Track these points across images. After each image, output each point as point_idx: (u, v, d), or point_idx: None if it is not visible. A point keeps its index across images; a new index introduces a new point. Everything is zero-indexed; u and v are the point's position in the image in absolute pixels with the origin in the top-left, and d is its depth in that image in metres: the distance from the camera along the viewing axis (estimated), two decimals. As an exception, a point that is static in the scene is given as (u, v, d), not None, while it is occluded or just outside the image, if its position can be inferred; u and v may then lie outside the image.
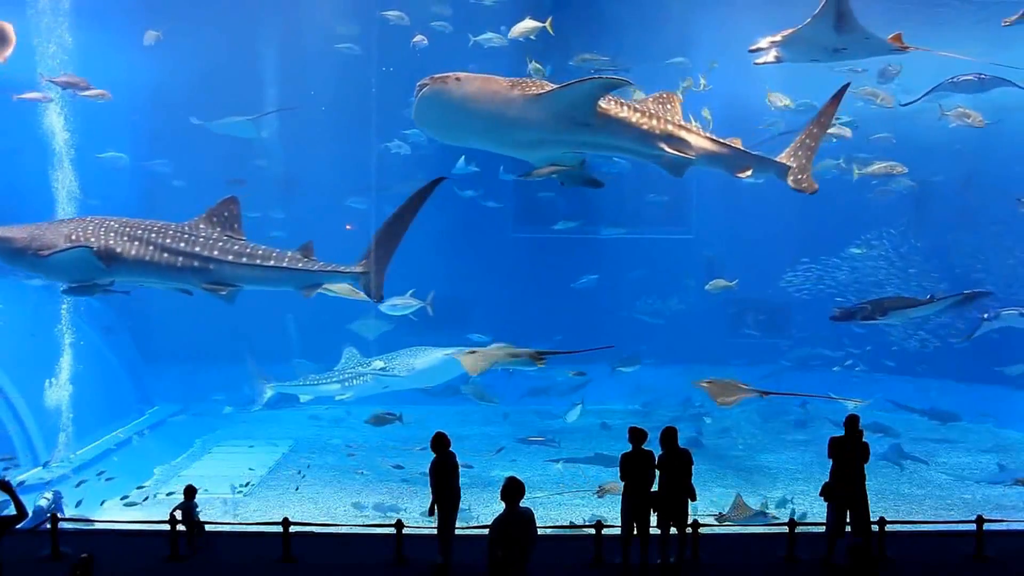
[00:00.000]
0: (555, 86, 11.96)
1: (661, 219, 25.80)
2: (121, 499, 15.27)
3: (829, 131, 15.91)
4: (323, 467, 18.23)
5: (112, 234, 12.21)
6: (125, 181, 23.00)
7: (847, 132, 19.43)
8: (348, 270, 12.87)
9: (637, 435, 8.49)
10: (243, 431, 21.33)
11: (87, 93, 16.30)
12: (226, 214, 12.83)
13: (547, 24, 17.80)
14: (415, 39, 19.74)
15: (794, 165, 13.86)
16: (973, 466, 18.05)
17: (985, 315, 16.03)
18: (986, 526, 9.20)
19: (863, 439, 8.68)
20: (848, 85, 14.51)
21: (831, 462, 8.70)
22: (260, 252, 12.59)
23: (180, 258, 12.24)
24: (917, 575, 8.88)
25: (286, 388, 19.83)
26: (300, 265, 12.68)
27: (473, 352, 12.98)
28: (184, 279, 12.42)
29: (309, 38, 22.54)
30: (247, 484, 16.72)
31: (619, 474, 8.49)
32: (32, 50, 18.66)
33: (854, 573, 8.41)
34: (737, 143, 13.58)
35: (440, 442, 8.50)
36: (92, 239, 12.05)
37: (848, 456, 8.60)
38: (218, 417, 21.87)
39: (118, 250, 12.10)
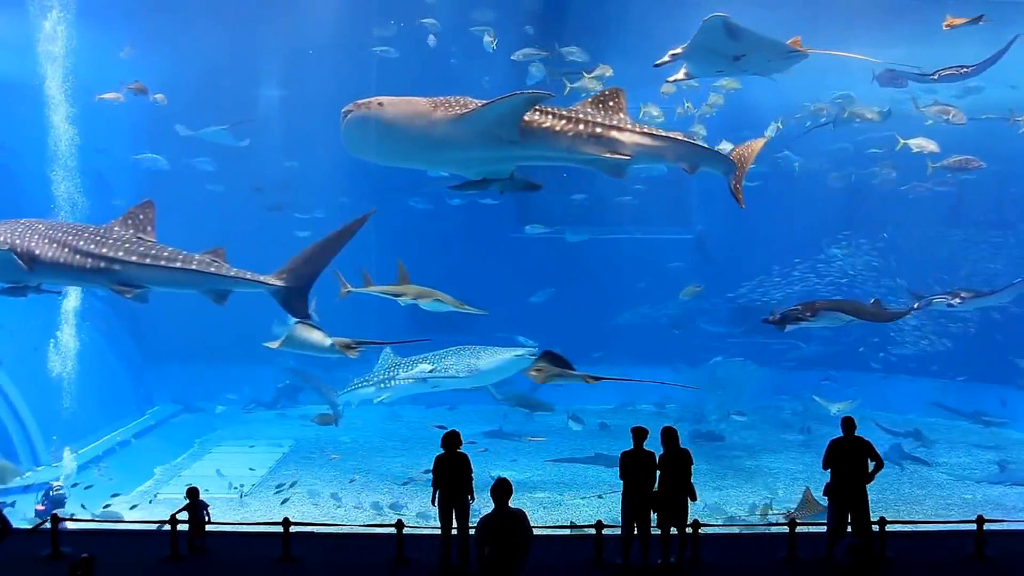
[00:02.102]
0: (478, 104, 11.94)
1: (662, 219, 25.83)
2: (131, 508, 15.25)
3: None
4: (323, 468, 18.26)
5: (36, 236, 12.17)
6: (126, 181, 23.09)
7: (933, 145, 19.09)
8: (262, 280, 12.55)
9: (639, 434, 8.48)
10: (243, 431, 21.36)
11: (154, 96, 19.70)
12: (141, 217, 12.81)
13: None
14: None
15: (740, 171, 13.68)
16: (973, 466, 18.06)
17: (916, 304, 15.83)
18: (986, 526, 9.18)
19: (855, 436, 8.64)
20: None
21: (831, 462, 8.68)
22: (166, 254, 12.38)
23: (91, 259, 12.15)
24: (917, 575, 8.87)
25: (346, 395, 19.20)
26: (212, 269, 12.38)
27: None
28: (96, 280, 12.35)
29: (309, 38, 22.59)
30: (247, 489, 16.70)
31: (619, 473, 8.49)
32: (33, 50, 18.68)
33: (854, 573, 8.41)
34: (678, 135, 13.45)
35: (448, 440, 8.51)
36: (18, 241, 12.01)
37: (847, 457, 8.58)
38: (218, 417, 21.88)
39: (37, 252, 12.05)
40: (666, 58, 13.99)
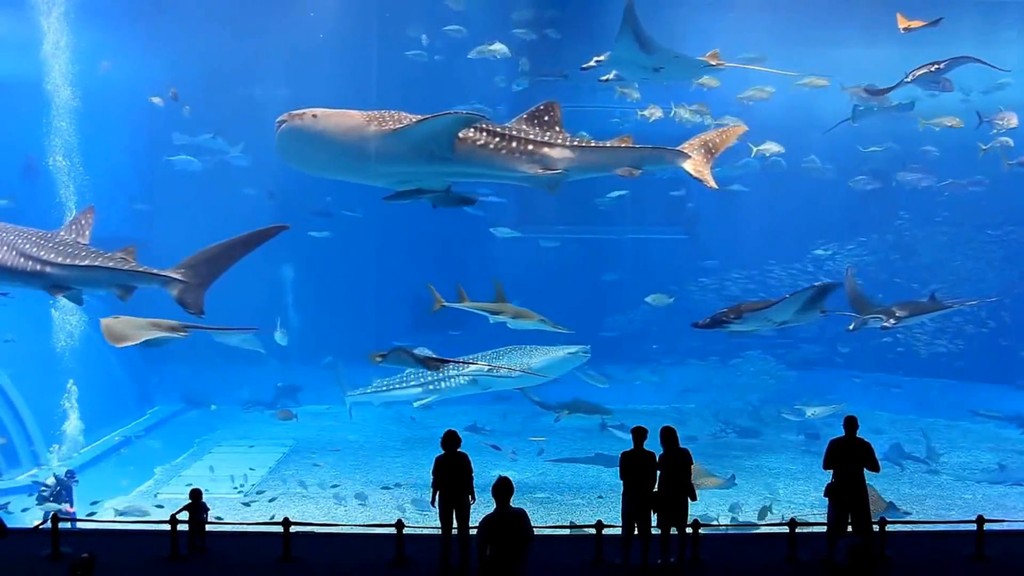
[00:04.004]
0: (412, 120, 11.98)
1: (661, 219, 25.84)
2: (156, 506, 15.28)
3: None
4: (324, 467, 18.26)
5: None
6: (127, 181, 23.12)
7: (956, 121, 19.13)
8: (162, 273, 12.49)
9: (639, 434, 8.48)
10: (243, 431, 21.35)
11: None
12: (83, 222, 12.92)
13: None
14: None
15: (695, 156, 13.66)
16: (973, 466, 18.06)
17: (851, 326, 15.20)
18: (986, 526, 9.18)
19: (856, 437, 8.64)
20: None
21: (832, 462, 8.67)
22: (81, 253, 12.37)
23: (29, 262, 12.17)
24: (917, 575, 8.87)
25: (361, 396, 19.10)
26: (110, 264, 12.31)
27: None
28: (33, 282, 12.35)
29: (310, 37, 22.61)
30: (257, 493, 16.68)
31: (619, 473, 8.48)
32: (35, 50, 18.70)
33: (854, 573, 8.41)
34: (627, 141, 13.43)
35: (448, 440, 8.50)
36: None
37: (848, 457, 8.57)
38: (218, 417, 21.87)
39: None
40: (592, 63, 14.47)
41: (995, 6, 21.38)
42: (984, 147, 19.07)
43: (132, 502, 15.64)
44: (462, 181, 13.49)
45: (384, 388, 18.69)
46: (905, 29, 15.96)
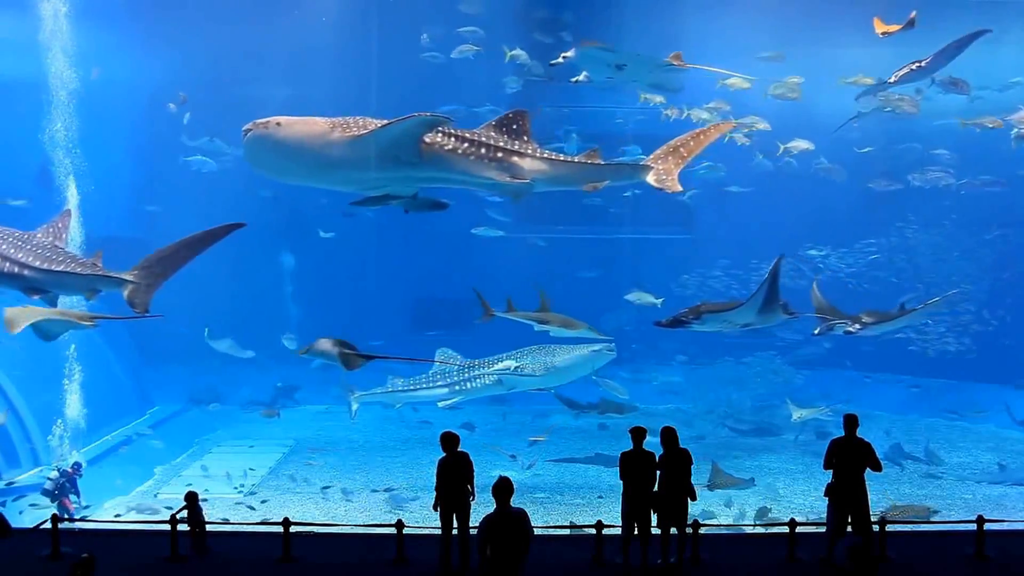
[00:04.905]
0: (377, 125, 11.96)
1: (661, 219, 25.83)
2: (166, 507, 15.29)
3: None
4: (324, 467, 18.27)
5: None
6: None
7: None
8: (117, 276, 12.48)
9: (638, 434, 8.48)
10: (243, 431, 21.35)
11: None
12: (59, 225, 13.01)
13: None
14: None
15: (658, 166, 13.65)
16: (973, 466, 18.06)
17: (817, 330, 14.98)
18: (986, 526, 9.19)
19: (857, 437, 8.64)
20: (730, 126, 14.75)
21: (833, 462, 8.67)
22: (47, 256, 12.35)
23: (7, 263, 12.16)
24: (917, 575, 8.87)
25: (374, 396, 18.67)
26: (71, 268, 12.31)
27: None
28: (9, 284, 12.37)
29: (311, 36, 22.62)
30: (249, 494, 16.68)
31: (619, 473, 8.49)
32: (36, 49, 18.70)
33: (854, 573, 8.41)
34: (595, 156, 13.46)
35: (447, 441, 8.50)
36: None
37: (848, 456, 8.58)
38: (218, 417, 21.88)
39: None
40: (559, 59, 14.84)
41: (995, 5, 21.36)
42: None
43: (142, 501, 15.70)
44: (429, 187, 13.45)
45: (411, 388, 18.26)
46: (883, 34, 15.93)
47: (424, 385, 18.07)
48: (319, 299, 23.75)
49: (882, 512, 13.13)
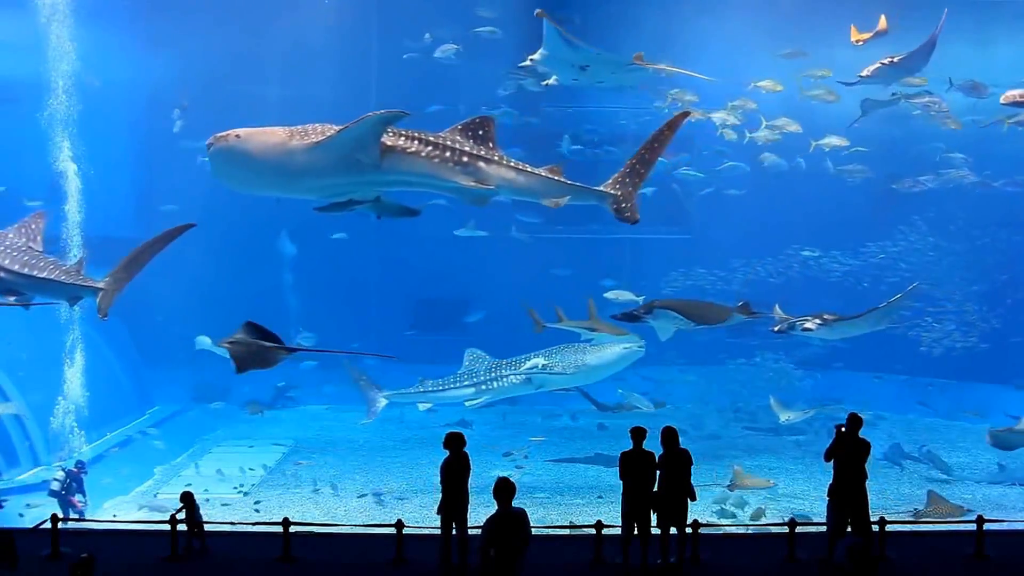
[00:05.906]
0: (335, 130, 11.91)
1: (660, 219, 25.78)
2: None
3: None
4: (324, 466, 18.27)
5: None
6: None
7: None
8: (92, 284, 12.60)
9: (638, 434, 8.48)
10: (243, 431, 21.35)
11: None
12: (33, 227, 12.98)
13: None
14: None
15: (617, 193, 13.39)
16: (973, 466, 18.04)
17: (776, 327, 14.75)
18: (986, 526, 9.19)
19: (859, 437, 8.64)
20: (687, 114, 14.29)
21: (832, 461, 8.67)
22: (24, 260, 12.34)
23: None
24: (917, 575, 8.87)
25: (404, 397, 18.37)
26: (43, 274, 12.31)
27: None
28: None
29: (312, 36, 22.62)
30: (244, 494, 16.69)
31: (619, 473, 8.48)
32: (36, 49, 18.71)
33: (854, 573, 8.40)
34: (557, 172, 13.31)
35: (452, 441, 8.47)
36: None
37: (849, 455, 8.57)
38: (218, 417, 21.89)
39: None
40: (527, 61, 15.03)
41: (989, 6, 21.35)
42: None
43: (151, 500, 15.70)
44: (392, 191, 13.33)
45: (440, 388, 17.99)
46: (856, 42, 15.90)
47: (452, 385, 17.90)
48: (319, 299, 23.75)
49: (917, 509, 13.14)
